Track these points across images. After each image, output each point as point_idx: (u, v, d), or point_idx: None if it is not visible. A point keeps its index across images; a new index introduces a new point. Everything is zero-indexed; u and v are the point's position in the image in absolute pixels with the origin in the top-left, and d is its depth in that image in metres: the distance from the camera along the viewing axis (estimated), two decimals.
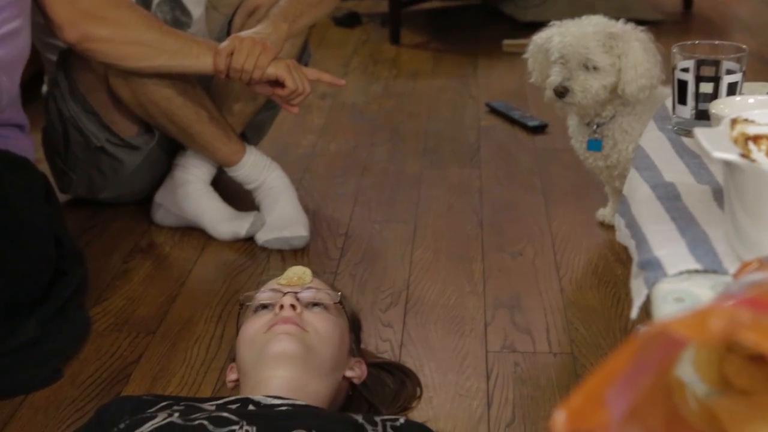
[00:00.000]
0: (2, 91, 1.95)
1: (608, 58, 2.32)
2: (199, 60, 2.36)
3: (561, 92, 2.36)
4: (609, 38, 2.33)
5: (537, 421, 1.84)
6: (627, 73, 2.32)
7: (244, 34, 2.39)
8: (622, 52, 2.32)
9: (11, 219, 2.02)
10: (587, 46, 2.32)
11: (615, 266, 2.42)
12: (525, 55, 2.50)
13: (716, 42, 1.69)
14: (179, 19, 2.71)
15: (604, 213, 2.65)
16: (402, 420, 1.53)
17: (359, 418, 1.48)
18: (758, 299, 0.70)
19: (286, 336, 1.59)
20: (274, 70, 2.35)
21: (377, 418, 1.50)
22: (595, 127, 2.46)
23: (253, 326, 1.65)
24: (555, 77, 2.37)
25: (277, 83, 2.37)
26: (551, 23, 2.44)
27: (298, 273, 1.76)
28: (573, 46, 2.33)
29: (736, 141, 1.21)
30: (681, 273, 1.18)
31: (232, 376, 1.71)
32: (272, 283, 1.76)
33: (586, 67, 2.34)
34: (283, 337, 1.59)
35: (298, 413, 1.46)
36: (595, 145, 2.48)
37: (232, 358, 1.73)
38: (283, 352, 1.58)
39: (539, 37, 2.44)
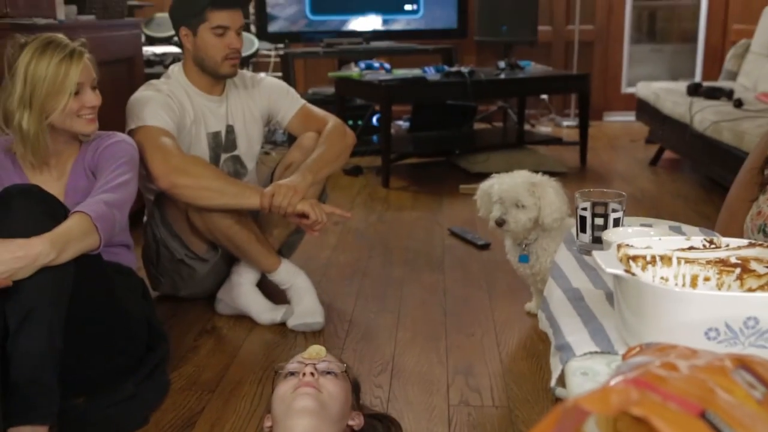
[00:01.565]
0: (116, 223, 1.95)
1: (532, 199, 2.34)
2: (250, 200, 2.36)
3: (500, 223, 2.38)
4: (532, 185, 2.35)
5: None
6: (544, 209, 2.34)
7: (281, 182, 2.40)
8: (541, 195, 2.34)
9: (118, 310, 1.99)
10: (517, 192, 2.34)
11: (539, 344, 2.38)
12: (474, 197, 2.50)
13: (604, 189, 1.69)
14: (239, 171, 2.72)
15: (530, 305, 2.62)
16: None
17: None
18: (642, 379, 0.68)
19: (307, 395, 1.56)
20: (302, 207, 2.35)
21: None
22: (524, 246, 2.45)
23: (284, 388, 1.60)
24: (496, 212, 2.38)
25: (304, 215, 2.37)
26: (492, 175, 2.46)
27: (316, 350, 1.72)
28: (508, 192, 2.35)
29: (621, 260, 1.20)
30: (585, 354, 1.15)
31: (267, 423, 1.66)
32: (298, 357, 1.71)
33: (517, 206, 2.36)
34: (304, 396, 1.55)
35: None
36: (524, 258, 2.47)
37: (269, 410, 1.68)
38: (304, 407, 1.54)
39: (484, 185, 2.46)
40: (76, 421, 1.88)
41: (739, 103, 4.16)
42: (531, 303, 2.62)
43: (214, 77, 2.60)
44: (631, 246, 1.22)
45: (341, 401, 1.60)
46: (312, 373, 1.60)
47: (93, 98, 2.03)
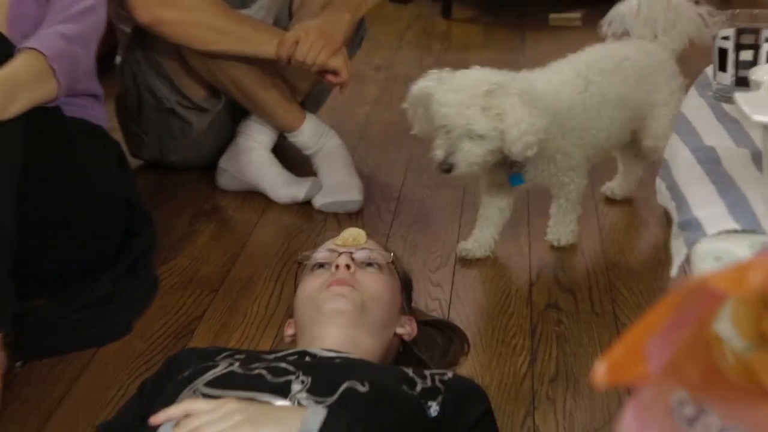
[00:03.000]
0: (79, 63, 1.96)
1: (490, 122, 2.04)
2: (262, 48, 2.37)
3: (447, 169, 2.07)
4: (487, 97, 2.05)
5: (579, 378, 1.82)
6: (510, 133, 2.04)
7: (310, 24, 2.38)
8: (502, 110, 2.05)
9: (87, 184, 2.03)
10: (467, 116, 2.03)
11: (655, 229, 2.38)
12: (404, 105, 2.24)
13: (756, 11, 1.64)
14: None
15: (464, 246, 2.32)
16: (450, 374, 1.51)
17: (409, 372, 1.47)
18: None
19: (341, 296, 1.58)
20: (334, 63, 2.36)
21: (426, 372, 1.49)
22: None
23: (311, 285, 1.63)
24: (438, 151, 2.08)
25: (332, 71, 2.39)
26: (429, 73, 2.19)
27: (353, 234, 1.75)
28: (454, 117, 2.05)
29: None
30: (720, 233, 1.15)
31: (290, 330, 1.71)
32: (329, 244, 1.74)
33: (470, 137, 2.06)
34: (337, 297, 1.58)
35: (351, 366, 1.45)
36: (516, 180, 2.25)
37: (290, 314, 1.73)
38: (337, 311, 1.57)
39: (417, 89, 2.18)
40: (38, 328, 1.95)
41: None
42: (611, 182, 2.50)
43: None
44: None
45: (386, 302, 1.64)
46: (347, 265, 1.63)
47: None
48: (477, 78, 2.09)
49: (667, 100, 2.32)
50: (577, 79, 2.24)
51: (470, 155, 2.06)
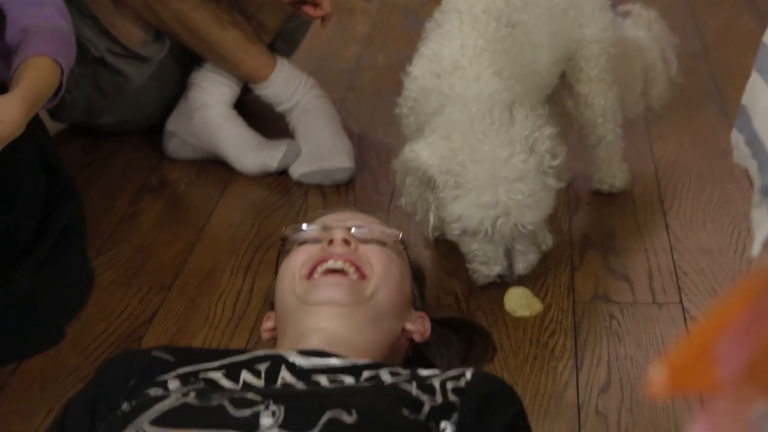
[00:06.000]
0: (72, 40, 2.04)
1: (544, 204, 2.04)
2: None
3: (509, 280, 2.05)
4: (542, 175, 2.02)
5: (637, 387, 1.82)
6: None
7: None
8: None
9: None
10: (522, 213, 1.96)
11: (733, 196, 2.39)
12: (393, 167, 2.14)
13: None
14: None
15: None
16: (468, 375, 1.48)
17: (413, 390, 1.45)
18: None
19: (336, 276, 1.60)
20: None
21: (435, 383, 1.47)
22: None
23: (296, 261, 1.65)
24: (487, 267, 2.03)
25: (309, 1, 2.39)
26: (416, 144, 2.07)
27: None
28: (503, 225, 1.96)
29: None
30: None
31: (268, 324, 1.72)
32: (321, 217, 1.76)
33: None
34: (332, 276, 1.60)
35: (335, 390, 1.45)
36: None
37: (271, 303, 1.73)
38: (330, 299, 1.58)
39: (411, 163, 2.05)
40: None
41: None
42: None
43: None
44: None
45: (393, 284, 1.65)
46: (345, 240, 1.64)
47: None
48: (527, 170, 1.97)
49: (599, 35, 2.30)
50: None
51: (532, 256, 2.05)
